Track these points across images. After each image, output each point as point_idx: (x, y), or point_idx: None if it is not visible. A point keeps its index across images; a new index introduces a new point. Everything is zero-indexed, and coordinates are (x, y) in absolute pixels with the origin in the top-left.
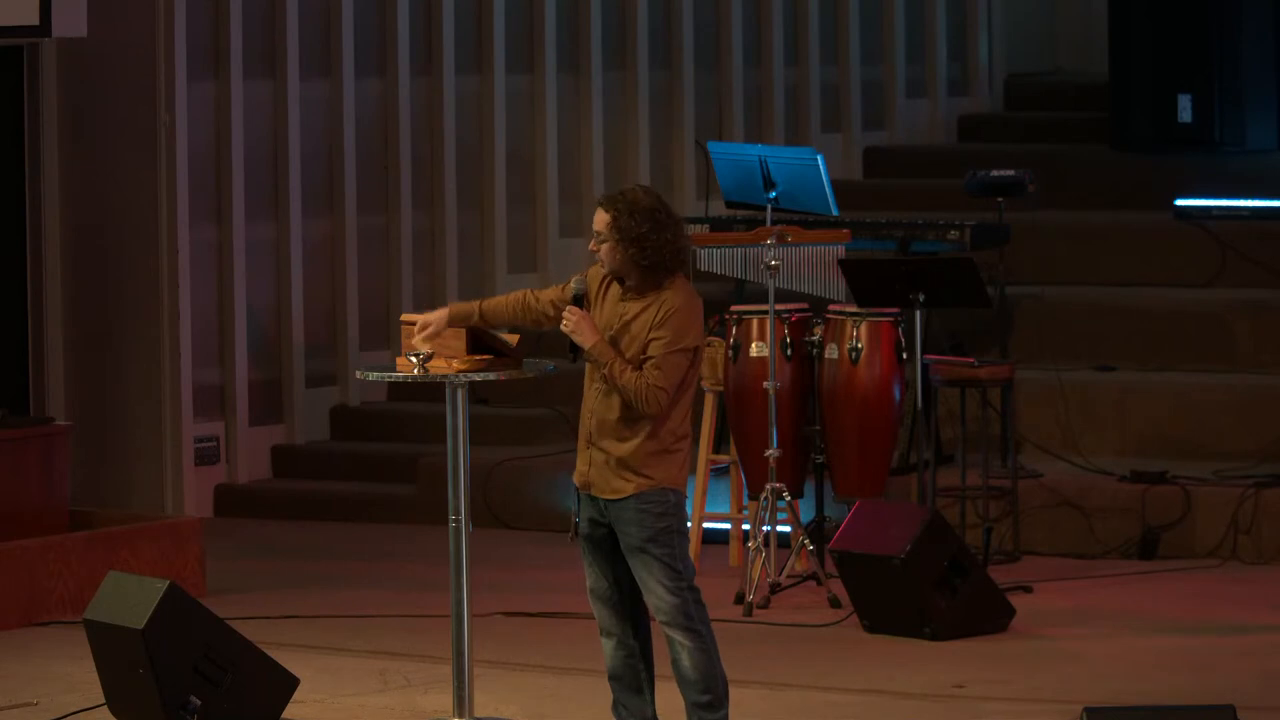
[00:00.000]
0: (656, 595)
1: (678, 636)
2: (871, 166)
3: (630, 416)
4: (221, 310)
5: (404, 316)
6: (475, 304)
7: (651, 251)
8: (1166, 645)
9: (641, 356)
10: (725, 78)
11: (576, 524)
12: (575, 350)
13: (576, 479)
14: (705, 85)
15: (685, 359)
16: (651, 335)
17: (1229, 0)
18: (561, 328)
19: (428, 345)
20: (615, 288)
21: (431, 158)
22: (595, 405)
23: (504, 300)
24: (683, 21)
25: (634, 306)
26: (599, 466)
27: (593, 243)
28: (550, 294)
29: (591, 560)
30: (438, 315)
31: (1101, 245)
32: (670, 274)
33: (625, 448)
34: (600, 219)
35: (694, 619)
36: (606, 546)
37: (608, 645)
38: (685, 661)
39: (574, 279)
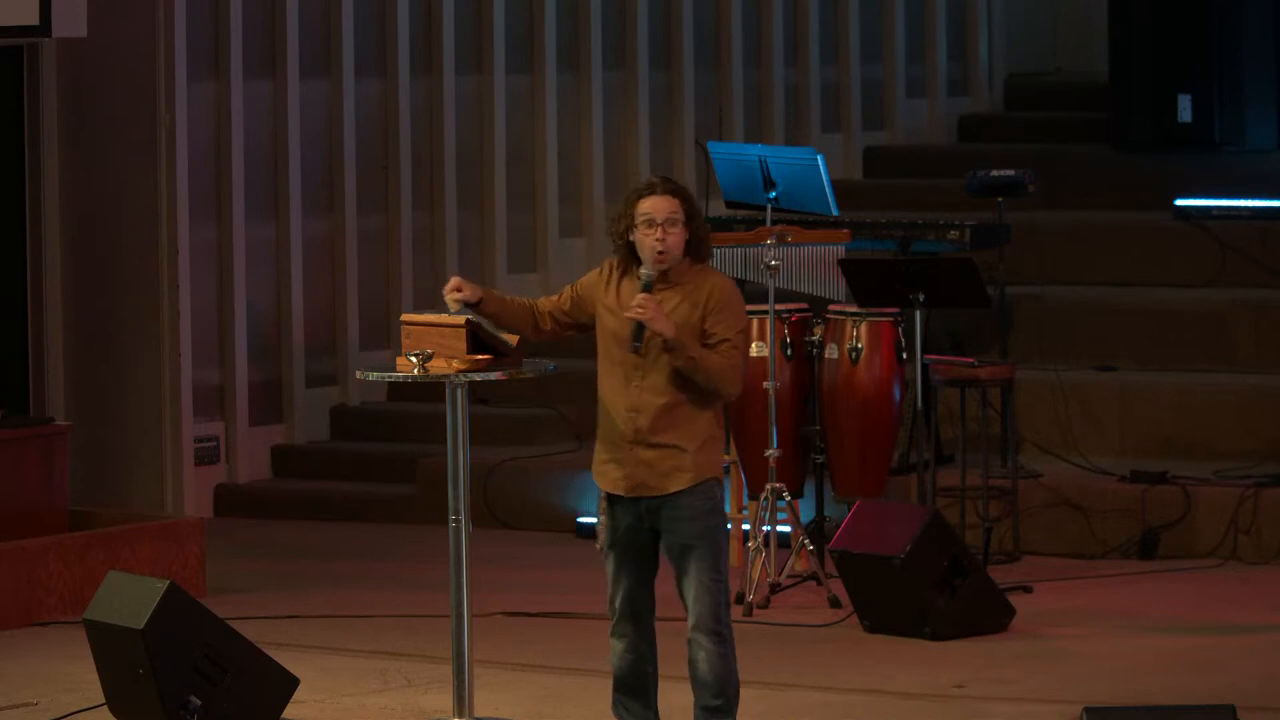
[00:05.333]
0: (695, 597)
1: (703, 640)
2: (871, 166)
3: (693, 405)
4: (221, 310)
5: (404, 316)
6: (499, 296)
7: (704, 231)
8: (1166, 645)
9: (706, 339)
10: (725, 78)
11: (609, 534)
12: (639, 339)
13: (618, 485)
14: (705, 85)
15: (745, 339)
16: (713, 319)
17: (1229, 0)
18: (634, 316)
19: (453, 300)
20: (629, 283)
21: (431, 158)
22: (641, 401)
23: (515, 303)
24: (683, 21)
25: (672, 296)
26: (650, 464)
27: (659, 232)
28: (547, 304)
29: (625, 567)
30: (473, 288)
31: (1101, 245)
32: (702, 262)
33: (688, 437)
34: (670, 204)
35: (722, 623)
36: (645, 552)
37: (619, 646)
38: (704, 665)
39: (642, 270)
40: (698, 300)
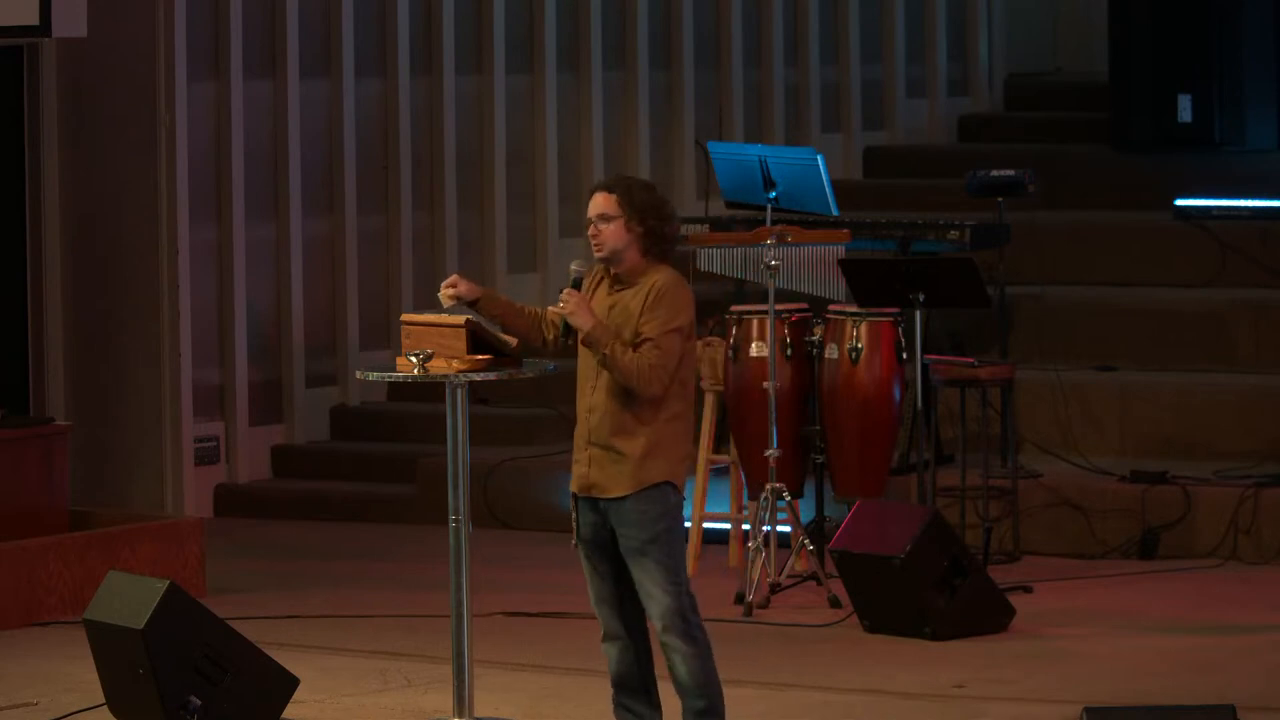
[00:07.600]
0: (654, 600)
1: (674, 643)
2: (871, 166)
3: (637, 410)
4: (221, 310)
5: (404, 316)
6: (504, 300)
7: (655, 228)
8: (1166, 645)
9: (637, 339)
10: (725, 78)
11: (577, 530)
12: (568, 332)
13: (575, 484)
14: (705, 85)
15: (680, 338)
16: (645, 317)
17: (1229, 0)
18: (558, 309)
19: (447, 296)
20: (605, 284)
21: (431, 158)
22: (596, 401)
23: (525, 311)
24: (683, 21)
25: (625, 295)
26: (601, 464)
27: (592, 228)
28: (552, 313)
29: (595, 565)
30: (471, 286)
31: (1101, 245)
32: (661, 261)
33: (632, 443)
34: (605, 200)
35: (691, 624)
36: (610, 549)
37: (612, 650)
38: (681, 669)
39: (572, 264)
40: (641, 298)
